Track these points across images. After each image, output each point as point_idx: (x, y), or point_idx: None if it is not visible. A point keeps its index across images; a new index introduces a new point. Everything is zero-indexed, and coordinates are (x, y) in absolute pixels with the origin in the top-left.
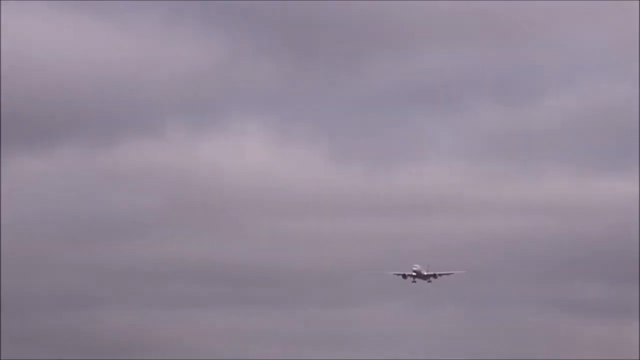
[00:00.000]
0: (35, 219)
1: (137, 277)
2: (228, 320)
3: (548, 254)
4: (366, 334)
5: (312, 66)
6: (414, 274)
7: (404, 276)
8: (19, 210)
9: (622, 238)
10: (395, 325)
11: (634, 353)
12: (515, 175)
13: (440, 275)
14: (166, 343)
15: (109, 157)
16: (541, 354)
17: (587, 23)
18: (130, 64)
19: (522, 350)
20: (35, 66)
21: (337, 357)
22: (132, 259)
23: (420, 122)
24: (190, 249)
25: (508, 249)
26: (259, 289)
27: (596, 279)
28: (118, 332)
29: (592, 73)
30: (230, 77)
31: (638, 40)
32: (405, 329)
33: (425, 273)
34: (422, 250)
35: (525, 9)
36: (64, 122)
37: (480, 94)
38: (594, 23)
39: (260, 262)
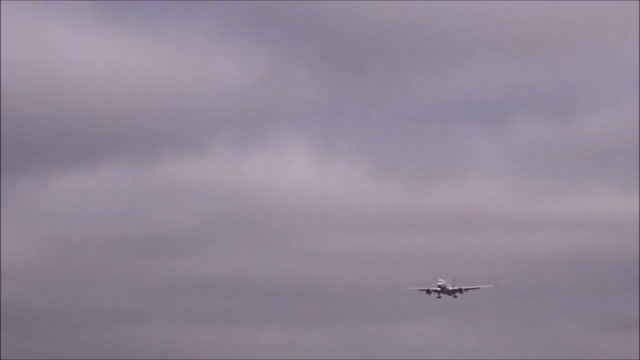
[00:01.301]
0: (79, 236)
1: (182, 294)
2: (270, 336)
3: (591, 269)
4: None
5: (356, 83)
6: (438, 289)
7: (428, 292)
8: (64, 227)
9: None
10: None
11: None
12: (559, 191)
13: (466, 290)
14: (211, 356)
15: (153, 174)
16: None
17: (632, 37)
18: (174, 81)
19: None
20: (82, 84)
21: None
22: (176, 275)
23: (464, 139)
24: (233, 265)
25: (548, 265)
26: (301, 305)
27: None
28: (161, 349)
29: (636, 88)
30: (273, 94)
31: None
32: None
33: (451, 288)
34: (462, 265)
35: (570, 25)
36: (109, 140)
37: (524, 111)
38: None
39: (302, 279)
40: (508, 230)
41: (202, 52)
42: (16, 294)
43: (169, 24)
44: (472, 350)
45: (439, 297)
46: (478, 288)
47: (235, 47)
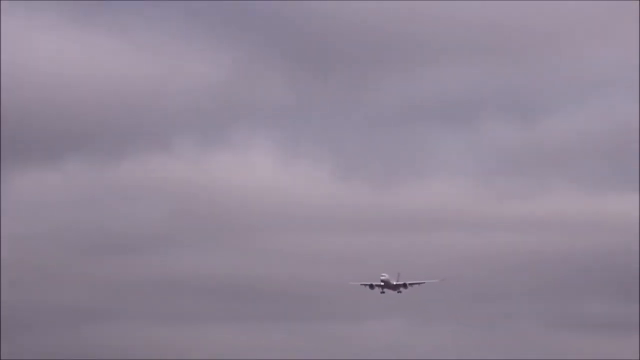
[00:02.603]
0: (42, 232)
1: (144, 291)
2: (234, 335)
3: (550, 269)
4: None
5: (322, 82)
6: (381, 283)
7: (371, 286)
8: (27, 223)
9: (627, 255)
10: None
11: None
12: (522, 192)
13: (411, 284)
14: (171, 356)
15: (118, 172)
16: None
17: (599, 42)
18: (140, 79)
19: None
20: (45, 80)
21: None
22: (139, 272)
23: (430, 140)
24: (196, 263)
25: (503, 263)
26: (263, 304)
27: (597, 295)
28: (124, 346)
29: (602, 92)
30: (239, 92)
31: None
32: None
33: (395, 282)
34: (422, 264)
35: (537, 27)
36: (72, 137)
37: (490, 112)
38: (606, 42)
39: (264, 277)
40: (471, 230)
41: (169, 49)
42: None
43: (135, 22)
44: (426, 350)
45: (383, 292)
46: (423, 283)
47: (202, 45)
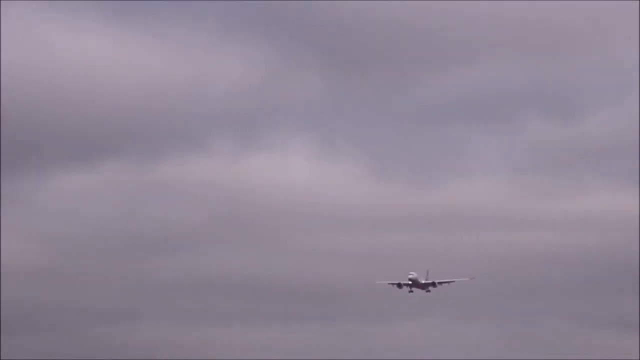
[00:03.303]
0: (80, 234)
1: (181, 291)
2: (267, 335)
3: (585, 268)
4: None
5: (357, 82)
6: (410, 282)
7: (399, 285)
8: (64, 225)
9: None
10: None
11: None
12: (559, 190)
13: (440, 283)
14: (203, 356)
15: (154, 173)
16: None
17: (633, 39)
18: (176, 80)
19: None
20: (83, 83)
21: None
22: (177, 274)
23: (464, 138)
24: (234, 264)
25: (546, 263)
26: (300, 304)
27: (634, 294)
28: (161, 346)
29: (636, 89)
30: (274, 93)
31: None
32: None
33: (424, 281)
34: (457, 263)
35: (574, 26)
36: (110, 138)
37: (525, 110)
38: None
39: (301, 278)
40: (507, 228)
41: (204, 51)
42: (15, 292)
43: (171, 23)
44: (462, 347)
45: (411, 291)
46: (453, 282)
47: (238, 46)
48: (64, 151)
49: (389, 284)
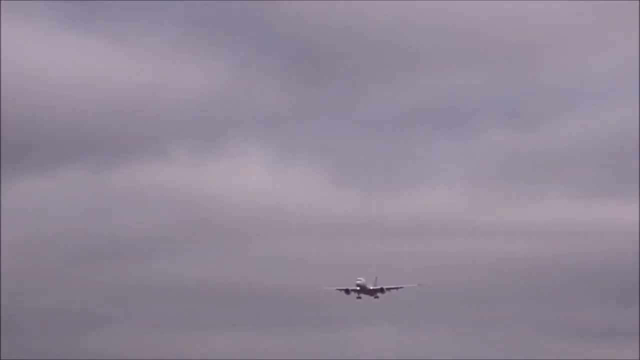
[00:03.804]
0: (39, 239)
1: (140, 298)
2: (230, 340)
3: (545, 276)
4: None
5: (316, 91)
6: (357, 288)
7: (347, 291)
8: (24, 230)
9: (625, 262)
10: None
11: None
12: (518, 198)
13: (389, 289)
14: None
15: (114, 179)
16: None
17: (596, 49)
18: (137, 86)
19: None
20: (41, 88)
21: None
22: (135, 279)
23: (424, 146)
24: (193, 270)
25: (497, 269)
26: (256, 310)
27: (593, 303)
28: (122, 351)
29: (597, 99)
30: (235, 100)
31: None
32: None
33: (372, 287)
34: (413, 270)
35: (532, 34)
36: (70, 144)
37: (485, 118)
38: (603, 49)
39: (260, 284)
40: (465, 236)
41: (165, 58)
42: None
43: (133, 28)
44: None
45: (359, 297)
46: (401, 287)
47: (199, 53)
48: (23, 156)
49: (336, 289)
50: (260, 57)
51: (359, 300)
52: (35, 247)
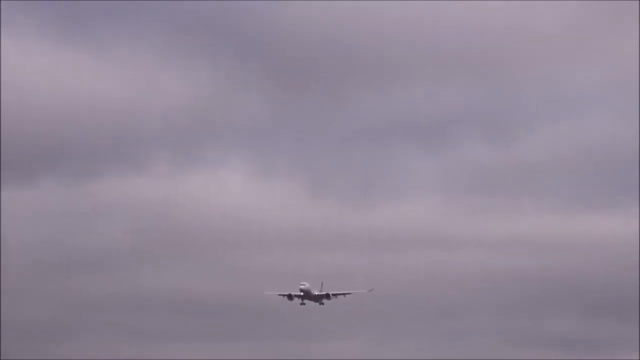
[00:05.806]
0: (14, 250)
1: (116, 308)
2: (202, 353)
3: (520, 288)
4: None
5: (296, 102)
6: (301, 294)
7: (290, 297)
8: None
9: (598, 275)
10: None
11: None
12: (494, 211)
13: (335, 295)
14: None
15: (92, 190)
16: None
17: (572, 60)
18: (116, 97)
19: None
20: (17, 99)
21: None
22: (112, 290)
23: (401, 158)
24: (171, 280)
25: (477, 283)
26: (234, 322)
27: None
28: None
29: (575, 112)
30: (214, 111)
31: (624, 79)
32: None
33: (317, 293)
34: (390, 283)
35: (510, 46)
36: (48, 154)
37: (461, 131)
38: (580, 62)
39: (237, 296)
40: (441, 249)
41: (144, 69)
42: None
43: (111, 41)
44: None
45: (303, 303)
46: (349, 294)
47: (178, 64)
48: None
49: (278, 295)
50: (239, 69)
51: (302, 306)
52: (10, 257)
